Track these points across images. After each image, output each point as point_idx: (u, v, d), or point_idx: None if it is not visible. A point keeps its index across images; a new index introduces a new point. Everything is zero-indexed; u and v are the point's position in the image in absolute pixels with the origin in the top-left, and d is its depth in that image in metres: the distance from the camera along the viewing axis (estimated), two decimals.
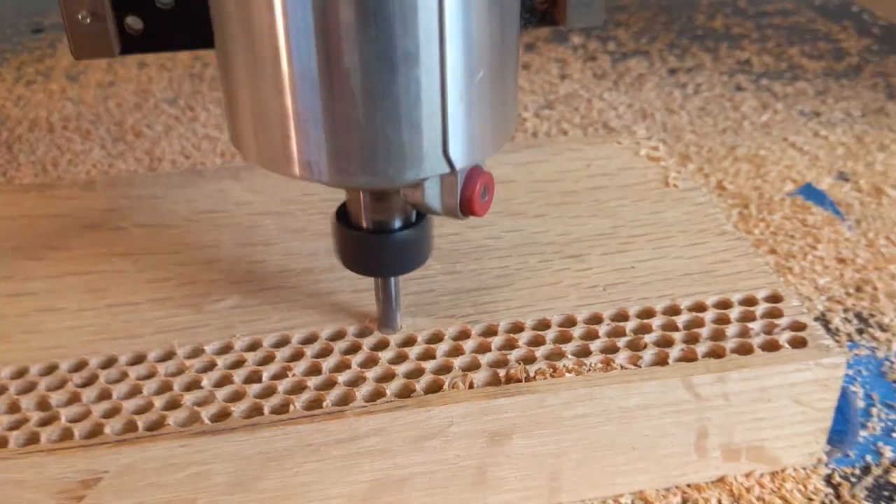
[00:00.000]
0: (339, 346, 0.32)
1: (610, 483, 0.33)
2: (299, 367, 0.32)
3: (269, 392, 0.30)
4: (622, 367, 0.31)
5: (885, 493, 0.33)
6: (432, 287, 0.36)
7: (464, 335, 0.33)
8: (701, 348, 0.32)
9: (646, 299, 0.34)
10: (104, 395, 0.31)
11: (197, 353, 0.32)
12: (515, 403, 0.30)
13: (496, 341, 0.32)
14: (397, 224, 0.30)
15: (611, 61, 0.72)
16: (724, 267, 0.36)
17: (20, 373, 0.32)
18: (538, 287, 0.35)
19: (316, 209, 0.41)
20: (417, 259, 0.31)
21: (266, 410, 0.30)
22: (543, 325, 0.33)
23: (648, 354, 0.32)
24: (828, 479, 0.34)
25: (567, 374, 0.31)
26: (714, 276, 0.36)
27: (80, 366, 0.32)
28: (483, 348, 0.32)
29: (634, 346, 0.32)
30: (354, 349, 0.32)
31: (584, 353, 0.32)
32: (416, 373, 0.31)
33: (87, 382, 0.31)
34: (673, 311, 0.34)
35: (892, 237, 0.48)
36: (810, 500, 0.33)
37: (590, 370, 0.31)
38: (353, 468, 0.30)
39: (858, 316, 0.42)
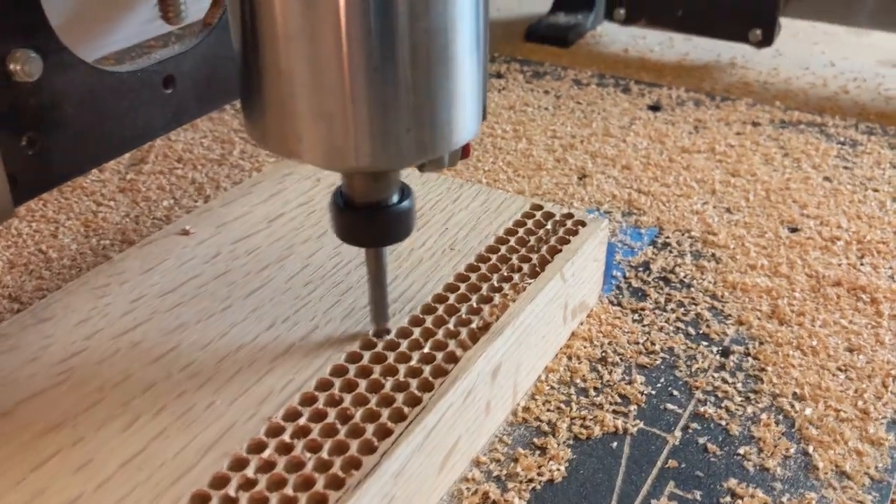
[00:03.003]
0: (362, 362, 0.37)
1: (534, 370, 0.44)
2: (361, 385, 0.36)
3: (389, 402, 0.34)
4: (525, 285, 0.43)
5: (639, 295, 0.51)
6: (356, 305, 0.41)
7: (418, 321, 0.40)
8: (545, 253, 0.45)
9: (482, 241, 0.46)
10: (315, 446, 0.32)
11: (310, 399, 0.34)
12: (501, 339, 0.39)
13: (441, 311, 0.41)
14: (394, 199, 0.36)
15: None
16: (493, 205, 0.49)
17: (239, 463, 0.32)
18: (417, 267, 0.44)
19: (181, 283, 0.41)
20: (411, 226, 0.37)
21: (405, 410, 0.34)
22: (453, 287, 0.42)
23: (525, 268, 0.44)
24: (611, 302, 0.50)
25: (510, 304, 0.41)
26: (497, 211, 0.48)
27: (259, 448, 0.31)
28: (441, 322, 0.40)
29: (514, 270, 0.44)
30: (380, 359, 0.38)
31: (497, 289, 0.42)
32: (429, 358, 0.38)
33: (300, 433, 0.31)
34: (503, 240, 0.46)
35: (500, 160, 0.66)
36: (617, 317, 0.49)
37: (511, 297, 0.42)
38: (435, 436, 0.36)
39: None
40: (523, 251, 0.45)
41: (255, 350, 0.38)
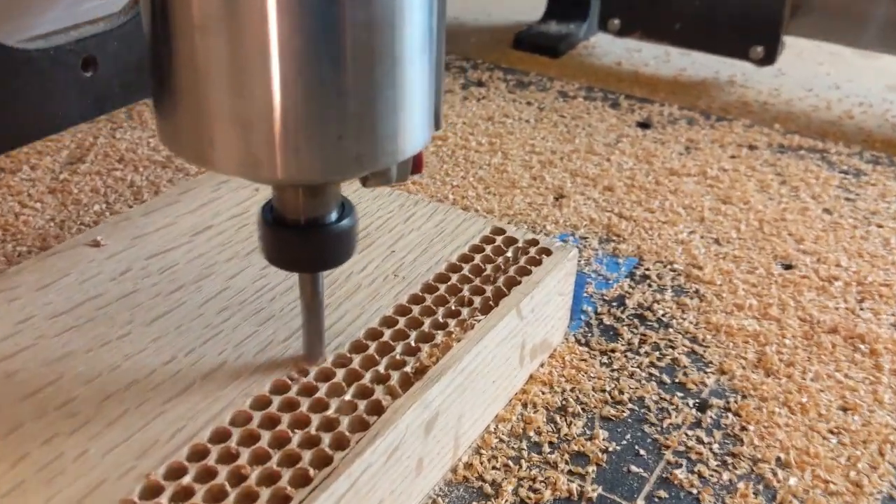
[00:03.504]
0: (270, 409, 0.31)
1: (483, 420, 0.39)
2: (264, 438, 0.30)
3: (293, 461, 0.29)
4: (473, 322, 0.37)
5: (610, 334, 0.46)
6: (274, 338, 0.35)
7: (344, 361, 0.34)
8: (501, 285, 0.39)
9: (431, 268, 0.40)
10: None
11: (200, 452, 0.28)
12: (439, 387, 0.34)
13: (373, 350, 0.35)
14: (333, 217, 0.31)
15: None
16: (449, 226, 0.43)
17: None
18: (353, 295, 0.38)
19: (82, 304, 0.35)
20: (351, 249, 0.32)
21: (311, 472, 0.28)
22: (390, 321, 0.37)
23: (477, 302, 0.38)
24: (578, 341, 0.45)
25: (454, 344, 0.35)
26: (453, 234, 0.43)
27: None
28: (370, 363, 0.34)
29: (464, 303, 0.38)
30: (292, 405, 0.32)
31: (441, 326, 0.37)
32: (350, 407, 0.32)
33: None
34: (456, 268, 0.40)
35: (471, 175, 0.60)
36: (583, 359, 0.43)
37: (457, 335, 0.36)
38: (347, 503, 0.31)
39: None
40: (477, 281, 0.40)
41: (148, 388, 0.33)
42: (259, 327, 0.36)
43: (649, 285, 0.49)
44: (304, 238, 0.31)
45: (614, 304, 0.48)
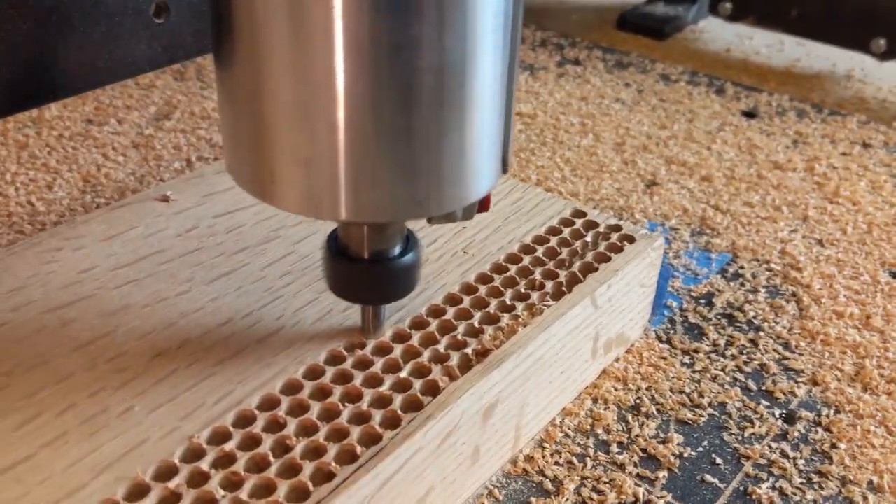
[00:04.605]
0: (322, 379, 0.30)
1: (547, 413, 0.36)
2: (313, 410, 0.28)
3: (341, 436, 0.27)
4: (543, 307, 0.35)
5: (694, 332, 0.43)
6: (335, 307, 0.34)
7: (402, 336, 0.33)
8: (576, 270, 0.37)
9: (502, 248, 0.38)
10: (235, 482, 0.24)
11: (247, 418, 0.27)
12: (500, 372, 0.32)
13: (434, 328, 0.33)
14: (397, 251, 0.30)
15: None
16: (527, 205, 0.41)
17: (138, 491, 0.23)
18: None
19: (124, 278, 0.35)
20: (412, 284, 0.31)
21: (358, 450, 0.27)
22: (455, 299, 0.35)
23: (549, 287, 0.36)
24: (658, 338, 0.42)
25: (519, 329, 0.33)
26: (529, 213, 0.40)
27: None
28: (430, 341, 0.33)
29: (534, 287, 0.36)
30: (345, 378, 0.31)
31: (508, 308, 0.34)
32: (405, 385, 0.31)
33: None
34: (529, 249, 0.38)
35: (557, 156, 0.58)
36: (662, 357, 0.41)
37: (524, 320, 0.34)
38: (395, 486, 0.29)
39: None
40: (551, 265, 0.37)
41: (200, 348, 0.32)
42: (320, 295, 0.35)
43: (742, 284, 0.46)
44: (366, 272, 0.30)
45: (702, 301, 0.45)
